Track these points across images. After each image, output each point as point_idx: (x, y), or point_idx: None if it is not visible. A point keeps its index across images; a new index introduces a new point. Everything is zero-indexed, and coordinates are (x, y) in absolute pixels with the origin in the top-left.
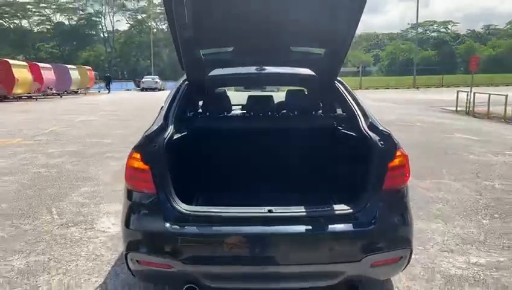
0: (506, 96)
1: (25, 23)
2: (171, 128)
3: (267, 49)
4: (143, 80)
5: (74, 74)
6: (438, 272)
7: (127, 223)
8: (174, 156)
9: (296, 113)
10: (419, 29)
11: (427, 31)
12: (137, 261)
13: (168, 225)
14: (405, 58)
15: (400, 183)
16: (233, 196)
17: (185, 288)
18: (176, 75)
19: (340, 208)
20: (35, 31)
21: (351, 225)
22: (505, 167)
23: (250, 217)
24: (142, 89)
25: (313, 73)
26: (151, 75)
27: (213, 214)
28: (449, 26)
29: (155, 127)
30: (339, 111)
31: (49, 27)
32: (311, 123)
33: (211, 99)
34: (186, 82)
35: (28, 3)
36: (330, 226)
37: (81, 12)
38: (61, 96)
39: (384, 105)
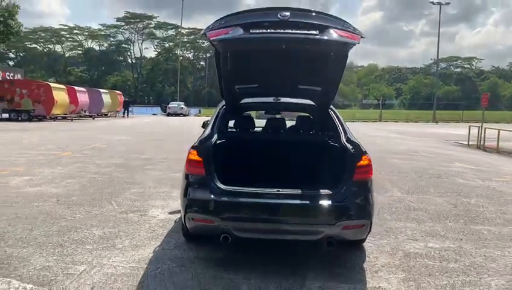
0: None
1: (58, 48)
2: (215, 136)
3: (282, 86)
4: (169, 105)
5: (106, 97)
6: (401, 250)
7: (185, 194)
8: (217, 154)
9: (300, 131)
10: (443, 65)
11: (451, 66)
12: (192, 219)
13: (212, 196)
14: (427, 92)
15: (365, 176)
16: (254, 181)
17: (221, 237)
18: (199, 102)
19: (324, 191)
20: (66, 55)
21: (330, 201)
22: (486, 189)
23: (265, 194)
24: (168, 114)
25: (313, 103)
26: (176, 101)
27: (241, 190)
28: (473, 63)
29: (205, 135)
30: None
31: (80, 52)
32: (310, 138)
33: (241, 119)
34: (224, 106)
35: (63, 29)
36: (316, 202)
37: (111, 39)
38: (93, 118)
39: (398, 137)
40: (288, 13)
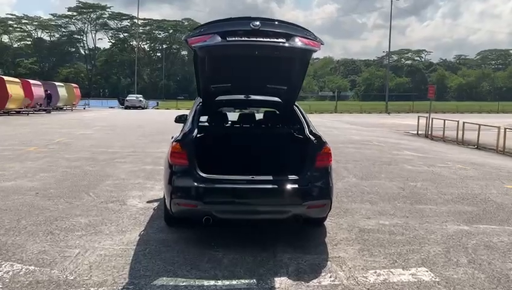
0: (458, 122)
1: (5, 38)
2: (195, 131)
3: (252, 85)
4: (127, 98)
5: (62, 91)
6: (356, 227)
7: (170, 182)
8: (197, 146)
9: (269, 124)
10: (395, 57)
11: (402, 59)
12: (177, 203)
13: (195, 183)
14: (380, 84)
15: (325, 163)
16: (230, 169)
17: (204, 219)
18: (156, 94)
19: (291, 176)
20: (15, 46)
21: (296, 185)
22: (430, 174)
23: (241, 180)
24: (126, 107)
25: (279, 100)
26: (133, 93)
27: (219, 178)
28: (423, 55)
29: (186, 130)
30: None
31: (29, 43)
32: (277, 131)
33: (216, 114)
34: (200, 103)
35: (10, 19)
36: (284, 186)
37: (63, 29)
38: (49, 112)
39: (353, 127)
40: (258, 23)
